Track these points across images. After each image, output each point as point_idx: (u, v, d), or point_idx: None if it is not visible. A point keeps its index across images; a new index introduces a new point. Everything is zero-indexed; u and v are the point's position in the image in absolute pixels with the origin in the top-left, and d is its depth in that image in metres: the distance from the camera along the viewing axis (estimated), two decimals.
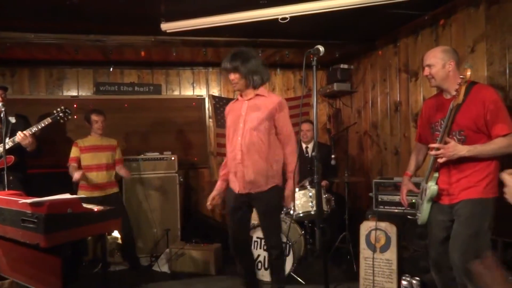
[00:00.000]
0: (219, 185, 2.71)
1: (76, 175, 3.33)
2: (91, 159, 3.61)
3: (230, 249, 2.69)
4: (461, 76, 2.02)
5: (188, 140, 4.78)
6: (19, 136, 3.10)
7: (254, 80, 2.49)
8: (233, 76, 2.48)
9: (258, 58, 2.56)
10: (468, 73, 2.01)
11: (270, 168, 2.50)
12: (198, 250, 3.76)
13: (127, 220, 3.69)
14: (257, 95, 2.54)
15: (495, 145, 2.02)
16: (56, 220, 2.07)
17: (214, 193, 2.69)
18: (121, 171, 3.78)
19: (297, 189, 3.51)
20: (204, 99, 4.90)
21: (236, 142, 2.50)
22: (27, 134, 3.13)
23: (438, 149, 2.06)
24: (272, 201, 2.53)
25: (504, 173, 1.26)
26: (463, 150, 2.02)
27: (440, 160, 2.07)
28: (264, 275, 3.37)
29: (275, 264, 2.66)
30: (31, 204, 2.09)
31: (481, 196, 2.06)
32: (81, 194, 3.51)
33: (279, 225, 2.64)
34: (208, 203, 2.69)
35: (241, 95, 2.61)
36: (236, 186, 2.54)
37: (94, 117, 3.61)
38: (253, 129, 2.46)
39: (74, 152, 3.63)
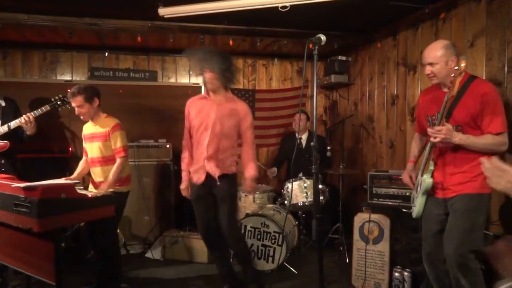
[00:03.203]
0: (187, 177, 2.86)
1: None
2: (89, 150, 3.03)
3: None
4: (455, 68, 2.00)
5: (183, 128, 4.70)
6: (25, 119, 3.07)
7: (228, 81, 2.70)
8: (209, 75, 2.62)
9: (231, 58, 2.72)
10: (463, 64, 2.00)
11: (229, 162, 2.79)
12: (191, 238, 3.77)
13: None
14: (227, 98, 2.75)
15: (486, 141, 2.03)
16: (49, 204, 2.04)
17: (186, 184, 2.87)
18: (113, 171, 2.88)
19: (292, 180, 3.52)
20: (200, 87, 4.84)
21: (204, 141, 2.71)
22: (31, 118, 3.08)
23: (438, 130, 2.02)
24: (226, 189, 2.76)
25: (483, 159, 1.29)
26: (457, 137, 2.02)
27: (434, 140, 2.05)
28: (258, 264, 3.39)
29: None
30: (24, 188, 2.06)
31: (477, 191, 2.06)
32: (90, 189, 3.04)
33: (232, 210, 2.85)
34: (185, 193, 2.90)
35: (208, 94, 2.77)
36: (201, 178, 2.75)
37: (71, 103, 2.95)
38: (221, 133, 2.70)
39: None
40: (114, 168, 2.91)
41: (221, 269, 2.97)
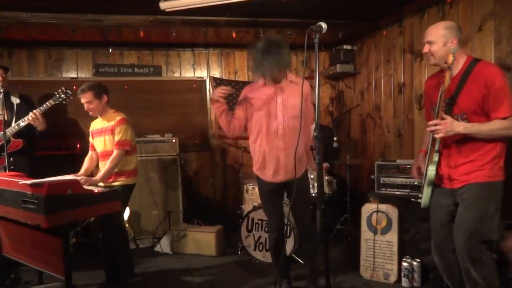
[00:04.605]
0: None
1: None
2: (97, 145, 3.09)
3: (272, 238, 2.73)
4: (444, 62, 1.95)
5: (189, 122, 4.74)
6: (31, 116, 3.11)
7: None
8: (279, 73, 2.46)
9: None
10: (451, 58, 1.93)
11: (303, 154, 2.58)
12: (199, 231, 3.79)
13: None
14: (289, 81, 2.54)
15: (493, 126, 1.95)
16: (56, 201, 2.06)
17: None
18: (107, 163, 2.88)
19: None
20: (205, 80, 4.84)
21: (276, 130, 2.49)
22: (38, 114, 3.13)
23: (435, 125, 1.98)
24: (304, 179, 2.65)
25: None
26: (460, 127, 1.95)
27: (436, 136, 1.99)
28: (266, 256, 3.40)
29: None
30: (31, 185, 2.08)
31: (487, 180, 2.00)
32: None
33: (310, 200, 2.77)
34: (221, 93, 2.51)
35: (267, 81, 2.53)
36: (272, 176, 2.55)
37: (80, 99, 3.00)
38: (294, 117, 2.47)
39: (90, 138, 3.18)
40: (108, 161, 2.91)
41: (280, 263, 2.77)
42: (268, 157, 2.54)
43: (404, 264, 2.87)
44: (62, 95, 3.28)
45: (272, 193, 2.65)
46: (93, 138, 3.13)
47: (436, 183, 2.16)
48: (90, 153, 3.17)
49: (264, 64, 2.38)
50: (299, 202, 2.53)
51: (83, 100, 2.97)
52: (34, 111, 3.14)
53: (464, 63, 2.06)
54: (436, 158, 2.09)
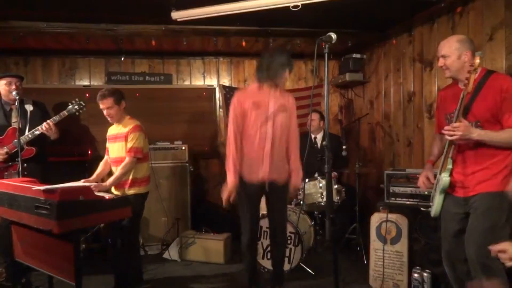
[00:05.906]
0: (234, 181, 2.59)
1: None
2: (111, 151, 3.10)
3: (244, 240, 2.74)
4: (470, 65, 1.98)
5: (198, 130, 4.78)
6: (45, 126, 3.17)
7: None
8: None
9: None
10: (477, 61, 1.95)
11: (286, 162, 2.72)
12: (208, 239, 3.80)
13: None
14: (281, 92, 2.69)
15: (506, 135, 1.98)
16: (68, 207, 2.09)
17: (232, 191, 2.59)
18: (118, 169, 2.91)
19: (307, 180, 3.50)
20: (214, 89, 4.89)
21: (266, 133, 2.60)
22: (51, 124, 3.19)
23: (454, 127, 2.00)
24: (282, 187, 2.72)
25: None
26: (474, 133, 1.99)
27: (451, 138, 2.02)
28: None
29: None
30: (44, 191, 2.12)
31: (499, 189, 2.00)
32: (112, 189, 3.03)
33: (287, 208, 2.89)
34: (227, 203, 2.64)
35: (261, 85, 2.66)
36: (258, 175, 2.62)
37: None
38: (282, 127, 2.65)
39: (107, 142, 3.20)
40: (119, 167, 2.93)
41: (253, 272, 2.88)
42: (257, 156, 2.62)
43: (415, 275, 2.82)
44: (76, 107, 3.34)
45: (254, 194, 2.70)
46: (108, 143, 3.16)
47: (448, 192, 2.15)
48: (105, 157, 3.18)
49: (272, 67, 2.59)
50: (278, 203, 2.72)
51: (103, 106, 2.94)
52: (48, 121, 3.19)
53: (479, 74, 2.08)
54: (450, 165, 2.10)
